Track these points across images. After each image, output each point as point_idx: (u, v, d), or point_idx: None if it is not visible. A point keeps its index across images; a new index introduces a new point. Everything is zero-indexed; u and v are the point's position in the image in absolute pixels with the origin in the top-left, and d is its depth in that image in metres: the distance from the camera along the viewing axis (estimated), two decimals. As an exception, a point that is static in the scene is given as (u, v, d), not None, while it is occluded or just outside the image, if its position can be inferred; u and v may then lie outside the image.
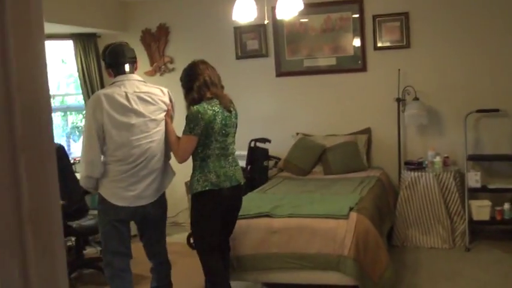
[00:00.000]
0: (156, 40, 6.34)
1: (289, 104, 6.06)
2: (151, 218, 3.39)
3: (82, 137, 3.32)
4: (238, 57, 6.18)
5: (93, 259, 5.01)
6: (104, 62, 3.43)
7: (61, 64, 6.31)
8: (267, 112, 6.12)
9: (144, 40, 6.41)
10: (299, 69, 5.97)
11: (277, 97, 6.11)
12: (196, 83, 3.42)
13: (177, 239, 5.71)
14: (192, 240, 5.31)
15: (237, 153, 5.68)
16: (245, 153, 5.36)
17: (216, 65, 6.07)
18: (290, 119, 6.03)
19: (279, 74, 6.05)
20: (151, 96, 3.32)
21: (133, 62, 3.38)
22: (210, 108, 3.37)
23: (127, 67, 3.32)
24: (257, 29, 5.94)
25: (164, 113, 3.39)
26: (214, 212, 3.45)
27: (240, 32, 6.08)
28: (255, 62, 6.14)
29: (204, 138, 3.37)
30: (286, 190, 4.80)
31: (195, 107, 3.36)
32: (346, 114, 5.87)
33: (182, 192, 5.87)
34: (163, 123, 3.38)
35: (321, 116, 5.94)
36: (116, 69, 3.32)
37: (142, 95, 3.27)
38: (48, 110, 0.85)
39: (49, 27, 5.13)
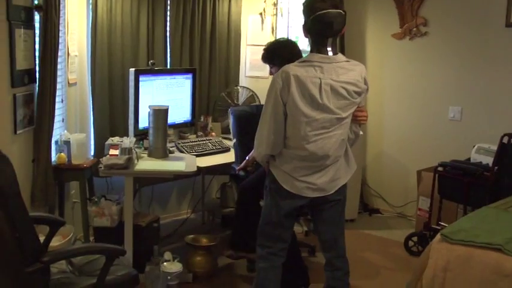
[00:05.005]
0: (411, -3, 5.51)
1: None
2: (327, 207, 3.02)
3: (263, 115, 2.89)
4: (508, 25, 4.92)
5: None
6: (304, 21, 2.82)
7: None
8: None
9: (396, -4, 5.63)
10: None
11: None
12: None
13: (397, 235, 5.00)
14: (411, 243, 4.62)
15: (484, 146, 4.63)
16: (494, 148, 4.30)
17: (480, 32, 5.06)
18: None
19: None
20: (347, 88, 2.79)
21: (337, 34, 2.82)
22: None
23: (329, 44, 2.78)
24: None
25: (354, 107, 2.89)
26: None
27: (514, -9, 4.82)
28: (530, 32, 4.80)
29: None
30: (540, 211, 3.54)
31: None
32: None
33: (414, 182, 5.21)
34: (350, 116, 2.90)
35: None
36: (316, 43, 2.81)
37: (338, 86, 2.77)
38: None
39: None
